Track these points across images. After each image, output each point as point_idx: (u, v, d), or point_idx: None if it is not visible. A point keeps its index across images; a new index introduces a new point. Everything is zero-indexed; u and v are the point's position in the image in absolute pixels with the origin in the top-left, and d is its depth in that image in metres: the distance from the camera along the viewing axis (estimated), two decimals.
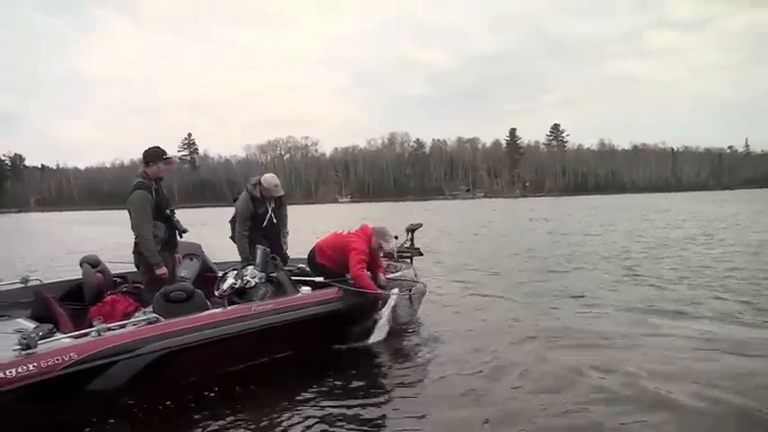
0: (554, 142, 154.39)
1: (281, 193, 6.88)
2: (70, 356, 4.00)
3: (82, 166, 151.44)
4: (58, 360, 3.95)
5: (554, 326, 6.73)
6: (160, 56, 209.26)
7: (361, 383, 4.99)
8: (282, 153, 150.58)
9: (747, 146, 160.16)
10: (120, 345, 4.26)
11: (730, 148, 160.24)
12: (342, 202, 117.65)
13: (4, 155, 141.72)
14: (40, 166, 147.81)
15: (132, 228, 5.43)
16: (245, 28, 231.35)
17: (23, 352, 3.86)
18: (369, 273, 6.10)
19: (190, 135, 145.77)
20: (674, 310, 7.39)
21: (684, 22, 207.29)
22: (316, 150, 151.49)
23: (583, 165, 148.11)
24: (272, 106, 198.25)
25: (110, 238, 21.52)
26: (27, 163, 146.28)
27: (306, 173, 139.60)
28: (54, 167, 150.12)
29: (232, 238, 6.88)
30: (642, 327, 6.54)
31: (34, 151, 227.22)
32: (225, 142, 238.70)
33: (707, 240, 16.12)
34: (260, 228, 6.75)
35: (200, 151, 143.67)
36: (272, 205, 6.87)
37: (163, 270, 5.41)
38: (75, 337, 4.29)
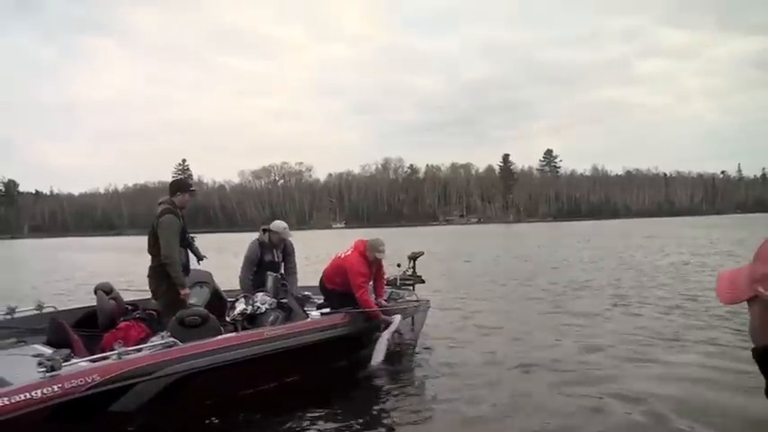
0: (547, 168, 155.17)
1: (290, 236, 7.09)
2: (93, 378, 4.17)
3: (76, 192, 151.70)
4: (81, 382, 4.11)
5: (552, 356, 6.72)
6: (153, 82, 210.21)
7: (364, 408, 5.17)
8: (277, 179, 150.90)
9: (740, 171, 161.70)
10: (139, 367, 4.43)
11: (723, 173, 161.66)
12: (336, 228, 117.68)
13: None
14: (33, 192, 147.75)
15: (161, 250, 5.61)
16: (238, 55, 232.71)
17: (48, 374, 4.02)
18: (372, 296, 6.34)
19: (184, 161, 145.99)
20: (669, 339, 7.41)
21: (673, 50, 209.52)
22: (310, 176, 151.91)
23: (576, 190, 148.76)
24: (267, 132, 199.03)
25: (107, 265, 21.65)
26: (21, 189, 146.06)
27: (300, 198, 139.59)
28: (48, 193, 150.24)
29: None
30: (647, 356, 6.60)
31: (28, 177, 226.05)
32: (219, 168, 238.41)
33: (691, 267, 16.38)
34: (263, 273, 6.84)
35: (195, 177, 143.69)
36: (280, 254, 7.05)
37: (187, 291, 5.61)
38: (96, 360, 4.46)
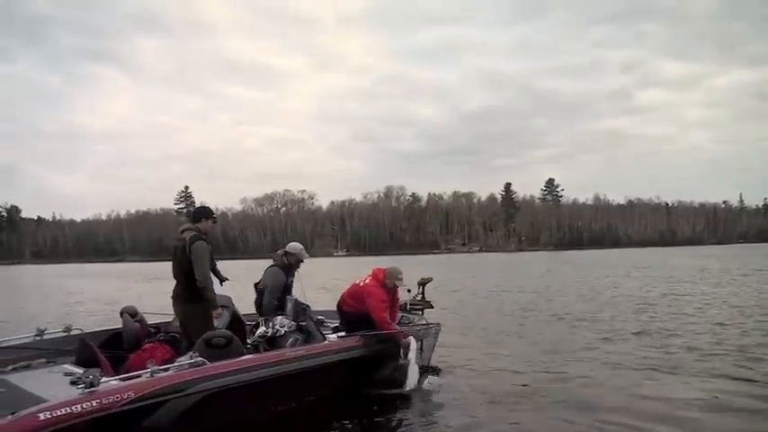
0: (549, 196, 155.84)
1: (307, 257, 7.41)
2: (128, 395, 4.41)
3: (78, 218, 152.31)
4: (117, 398, 4.35)
5: (556, 386, 6.85)
6: (156, 110, 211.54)
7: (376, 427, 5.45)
8: (279, 206, 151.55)
9: (742, 201, 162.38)
10: (171, 385, 4.67)
11: (725, 202, 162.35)
12: (337, 256, 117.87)
13: (0, 206, 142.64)
14: (36, 218, 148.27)
15: (195, 274, 5.86)
16: (240, 84, 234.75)
17: (87, 390, 4.27)
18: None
19: (186, 188, 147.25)
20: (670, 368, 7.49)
21: (673, 81, 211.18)
22: (312, 204, 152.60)
23: (578, 219, 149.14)
24: (269, 160, 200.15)
25: (120, 291, 21.91)
26: (23, 215, 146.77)
27: (302, 226, 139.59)
28: (50, 219, 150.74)
29: (258, 303, 7.30)
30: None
31: (30, 203, 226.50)
32: (221, 195, 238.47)
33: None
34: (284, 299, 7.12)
35: (197, 204, 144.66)
36: (294, 275, 7.38)
37: (220, 311, 5.89)
38: (129, 378, 4.72)
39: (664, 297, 16.32)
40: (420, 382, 6.52)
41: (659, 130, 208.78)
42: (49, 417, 3.99)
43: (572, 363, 7.96)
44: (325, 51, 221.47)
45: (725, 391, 6.37)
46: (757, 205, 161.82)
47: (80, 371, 5.09)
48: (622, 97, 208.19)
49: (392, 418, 5.70)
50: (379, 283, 6.78)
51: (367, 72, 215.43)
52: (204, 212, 6.28)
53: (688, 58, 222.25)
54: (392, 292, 6.87)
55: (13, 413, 3.96)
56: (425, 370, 7.03)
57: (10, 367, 5.55)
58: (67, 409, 4.11)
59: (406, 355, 6.41)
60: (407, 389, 6.23)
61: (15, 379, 5.21)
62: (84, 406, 4.18)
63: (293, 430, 5.26)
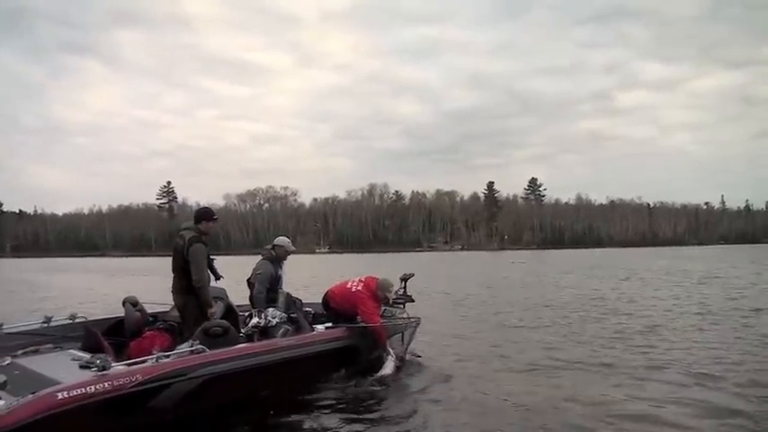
0: (532, 196, 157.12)
1: (294, 250, 7.89)
2: (136, 377, 4.85)
3: (59, 212, 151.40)
4: (126, 380, 4.79)
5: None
6: (138, 104, 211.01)
7: (356, 409, 5.88)
8: (262, 203, 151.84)
9: (723, 203, 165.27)
10: (174, 369, 5.13)
11: (707, 204, 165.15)
12: (320, 253, 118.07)
13: None
14: (17, 212, 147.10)
15: (192, 275, 6.27)
16: (223, 80, 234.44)
17: (99, 372, 4.71)
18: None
19: (169, 183, 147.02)
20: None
21: (655, 83, 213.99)
22: (295, 201, 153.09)
23: (560, 219, 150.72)
24: (252, 157, 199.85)
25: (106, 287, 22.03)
26: (4, 208, 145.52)
27: (285, 223, 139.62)
28: (31, 213, 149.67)
29: (251, 298, 7.70)
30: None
31: (11, 196, 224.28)
32: (204, 191, 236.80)
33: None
34: (274, 290, 7.59)
35: (180, 199, 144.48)
36: (282, 268, 7.86)
37: (214, 310, 6.33)
38: (136, 363, 5.15)
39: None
40: (399, 370, 7.02)
41: (641, 131, 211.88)
42: (66, 396, 4.42)
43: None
44: (308, 49, 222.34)
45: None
46: (739, 207, 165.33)
47: (85, 355, 5.54)
48: (604, 98, 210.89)
49: (372, 403, 6.10)
50: (371, 293, 7.30)
51: (350, 70, 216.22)
52: (204, 214, 6.68)
53: (670, 60, 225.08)
54: (380, 300, 7.45)
55: (33, 393, 4.38)
56: (404, 359, 7.50)
57: (20, 351, 5.98)
58: (82, 389, 4.54)
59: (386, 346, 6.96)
60: (387, 376, 6.69)
61: (26, 362, 5.61)
62: (97, 387, 4.61)
63: (283, 412, 5.69)
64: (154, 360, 5.15)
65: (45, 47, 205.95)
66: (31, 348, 6.13)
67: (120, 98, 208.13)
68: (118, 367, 5.01)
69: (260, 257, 7.83)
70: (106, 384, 4.67)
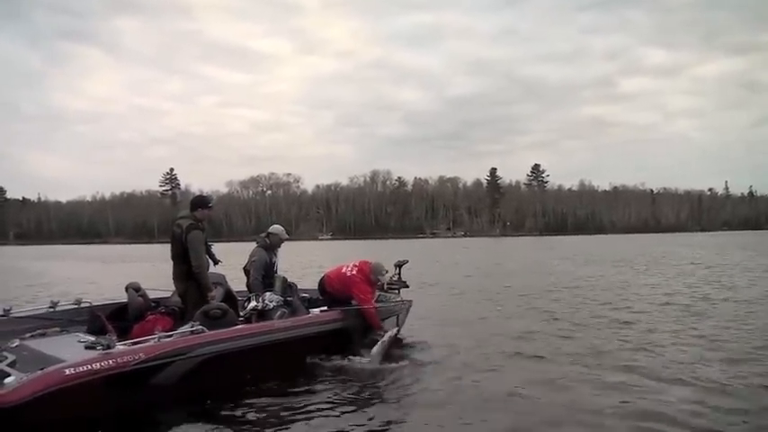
0: (534, 182, 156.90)
1: (287, 237, 8.18)
2: (139, 356, 5.14)
3: (63, 200, 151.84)
4: (130, 358, 5.07)
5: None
6: (139, 92, 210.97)
7: (349, 389, 6.08)
8: (264, 189, 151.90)
9: (727, 188, 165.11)
10: (176, 348, 5.42)
11: (710, 190, 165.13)
12: (322, 239, 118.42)
13: None
14: (20, 199, 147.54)
15: (191, 261, 6.54)
16: (225, 67, 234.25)
17: (104, 351, 5.00)
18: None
19: (171, 170, 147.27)
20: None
21: (657, 69, 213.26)
22: (298, 187, 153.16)
23: (563, 205, 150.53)
24: (255, 144, 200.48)
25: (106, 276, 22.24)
26: (8, 195, 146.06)
27: (287, 209, 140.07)
28: (35, 200, 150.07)
29: (248, 285, 8.01)
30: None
31: (15, 184, 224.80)
32: (207, 178, 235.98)
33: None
34: (270, 276, 7.92)
35: (182, 186, 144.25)
36: (276, 255, 8.15)
37: (213, 294, 6.61)
38: (139, 343, 5.42)
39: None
40: (392, 350, 7.29)
41: (644, 117, 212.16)
42: (73, 372, 4.72)
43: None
44: (309, 35, 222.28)
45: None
46: (742, 193, 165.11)
47: (91, 338, 5.84)
48: (607, 84, 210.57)
49: (363, 385, 6.30)
50: (365, 277, 7.58)
51: (351, 56, 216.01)
52: (200, 202, 6.91)
53: (672, 46, 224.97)
54: (374, 284, 7.71)
55: (42, 369, 4.67)
56: (397, 340, 7.78)
57: (28, 334, 6.27)
58: (89, 366, 4.83)
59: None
60: (380, 356, 6.97)
61: (34, 344, 5.90)
62: (102, 364, 4.90)
63: (278, 391, 5.98)
64: (156, 340, 5.44)
65: (45, 35, 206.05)
66: (39, 332, 6.40)
67: (120, 85, 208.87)
68: (121, 347, 5.30)
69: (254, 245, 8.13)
70: (111, 362, 4.95)
